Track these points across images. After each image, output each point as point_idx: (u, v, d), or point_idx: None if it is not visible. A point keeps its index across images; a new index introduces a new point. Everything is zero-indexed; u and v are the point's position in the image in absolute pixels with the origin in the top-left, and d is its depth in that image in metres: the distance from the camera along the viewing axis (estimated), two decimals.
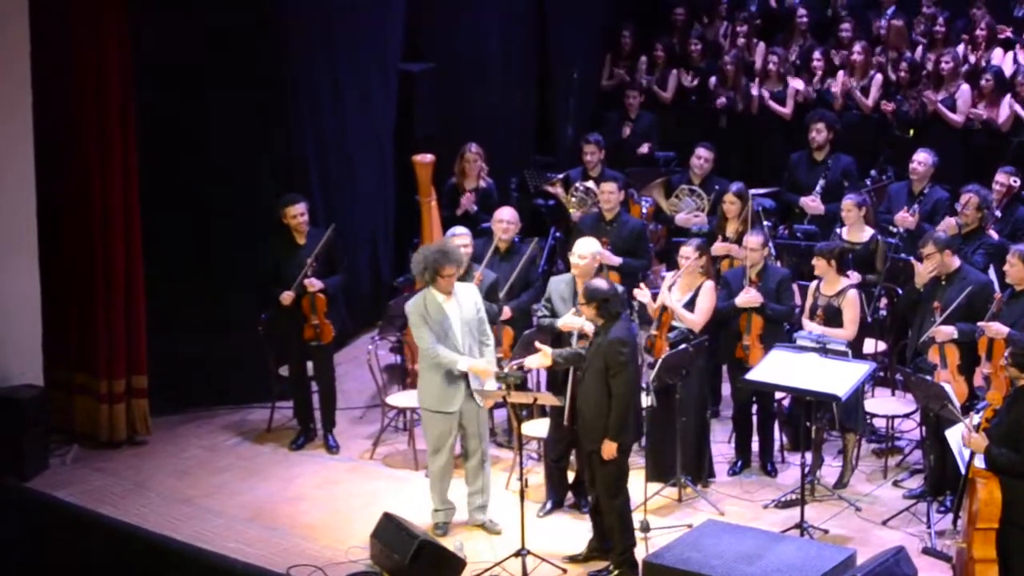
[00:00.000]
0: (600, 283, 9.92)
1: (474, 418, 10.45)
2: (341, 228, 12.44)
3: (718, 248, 12.37)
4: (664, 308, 11.13)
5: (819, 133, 13.90)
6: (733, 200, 12.42)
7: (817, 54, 15.71)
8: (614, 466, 9.80)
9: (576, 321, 10.40)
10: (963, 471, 9.25)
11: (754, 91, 15.76)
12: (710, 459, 11.29)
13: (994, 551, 8.86)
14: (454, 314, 10.32)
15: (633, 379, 9.78)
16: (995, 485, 8.86)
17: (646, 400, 10.65)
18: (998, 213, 12.47)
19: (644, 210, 14.46)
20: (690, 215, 13.80)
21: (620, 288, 10.77)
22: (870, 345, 12.02)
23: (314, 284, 11.75)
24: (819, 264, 11.23)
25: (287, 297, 11.71)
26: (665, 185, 14.28)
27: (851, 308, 11.17)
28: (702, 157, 13.99)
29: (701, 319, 11.15)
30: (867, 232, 12.34)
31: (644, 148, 15.72)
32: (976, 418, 9.30)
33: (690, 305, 11.15)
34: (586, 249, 10.76)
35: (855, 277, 11.60)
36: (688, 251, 11.24)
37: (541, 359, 10.14)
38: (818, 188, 13.53)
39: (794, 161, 14.22)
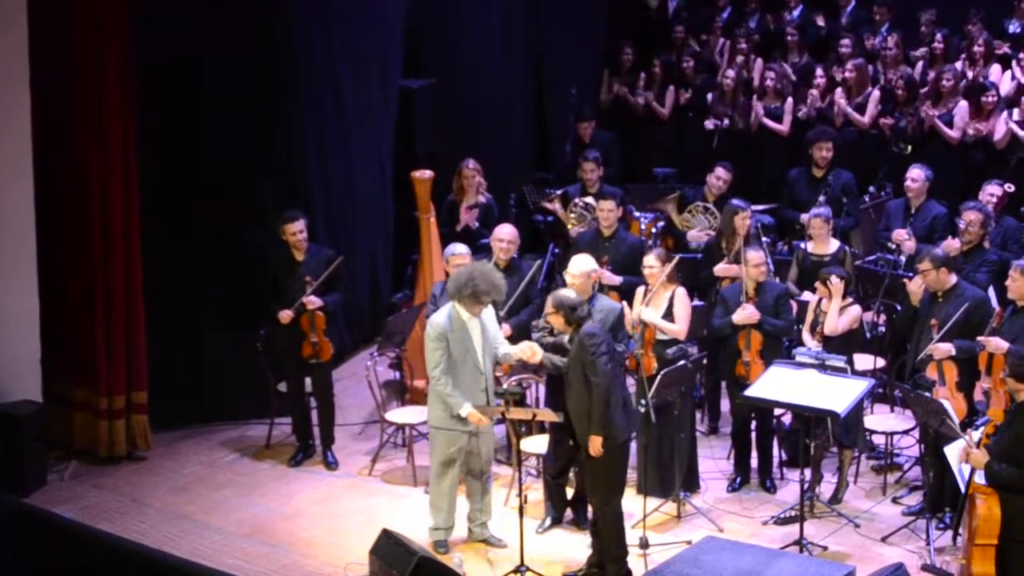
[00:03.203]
0: (566, 292, 10.01)
1: (487, 438, 10.47)
2: (340, 244, 12.44)
3: (721, 270, 12.35)
4: (644, 324, 11.14)
5: (828, 152, 13.89)
6: (747, 216, 12.38)
7: (819, 71, 15.73)
8: (607, 469, 9.83)
9: None
10: (962, 488, 9.26)
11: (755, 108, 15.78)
12: (695, 470, 11.36)
13: (993, 567, 8.87)
14: (476, 333, 10.31)
15: (609, 371, 9.75)
16: (994, 501, 8.87)
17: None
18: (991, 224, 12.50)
19: (643, 226, 14.46)
20: (701, 232, 13.78)
21: (619, 305, 10.83)
22: (867, 361, 12.01)
23: (313, 302, 11.76)
24: (821, 289, 11.27)
25: (285, 316, 11.71)
26: (678, 200, 14.29)
27: (849, 320, 11.24)
28: (721, 178, 13.97)
29: (683, 326, 11.19)
30: (833, 244, 12.40)
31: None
32: (976, 434, 9.31)
33: (668, 316, 11.17)
34: (579, 268, 10.75)
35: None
36: (651, 260, 11.26)
37: (528, 350, 10.13)
38: (819, 202, 13.47)
39: (793, 177, 14.20)
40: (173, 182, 12.29)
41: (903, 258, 12.58)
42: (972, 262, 11.76)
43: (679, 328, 11.16)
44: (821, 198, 13.58)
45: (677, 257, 11.48)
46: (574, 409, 9.86)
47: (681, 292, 11.29)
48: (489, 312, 10.49)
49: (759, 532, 10.68)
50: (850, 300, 11.34)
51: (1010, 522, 8.87)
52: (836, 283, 11.15)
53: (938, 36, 15.55)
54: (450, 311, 10.33)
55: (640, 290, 11.40)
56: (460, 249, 11.87)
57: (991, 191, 12.72)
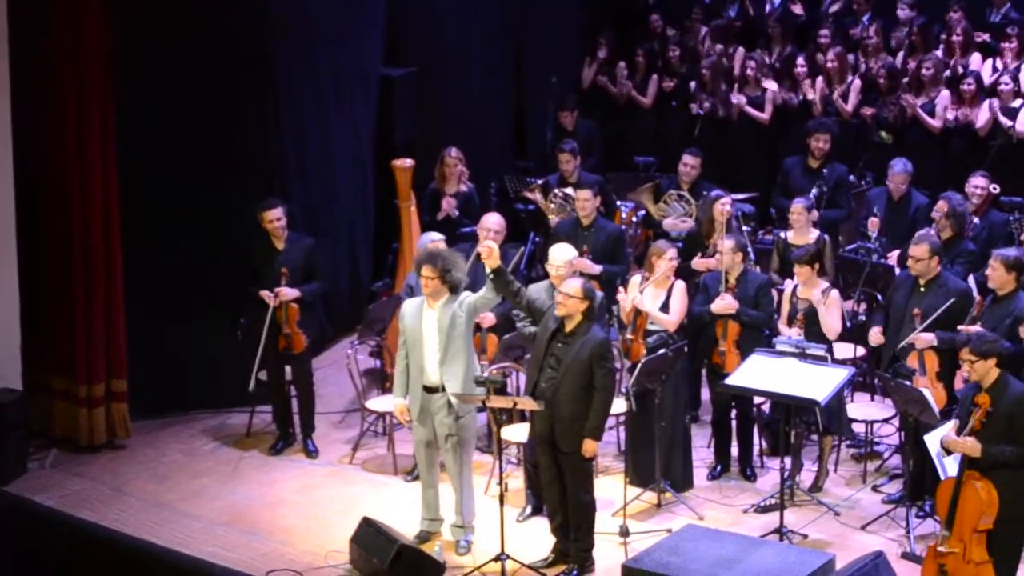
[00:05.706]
0: (590, 284, 9.99)
1: (443, 428, 10.24)
2: (320, 232, 12.40)
3: (698, 264, 12.33)
4: (638, 312, 11.13)
5: (826, 143, 13.88)
6: (726, 204, 12.37)
7: (800, 60, 15.73)
8: (588, 461, 9.85)
9: None
10: (942, 476, 9.25)
11: (733, 97, 15.78)
12: (690, 467, 11.30)
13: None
14: (430, 328, 10.16)
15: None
16: (991, 485, 8.87)
17: (625, 405, 10.67)
18: (976, 220, 12.49)
19: (624, 215, 14.46)
20: (677, 220, 13.79)
21: (601, 294, 10.82)
22: (847, 350, 12.01)
23: (287, 293, 11.71)
24: (801, 271, 11.25)
25: (266, 295, 11.68)
26: (654, 190, 14.30)
27: (835, 306, 11.22)
28: (689, 164, 14.00)
29: (676, 319, 11.17)
30: (813, 234, 12.36)
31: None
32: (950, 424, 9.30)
33: (664, 307, 11.17)
34: (561, 257, 10.78)
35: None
36: (670, 255, 11.22)
37: (486, 249, 9.90)
38: (811, 195, 13.44)
39: (788, 166, 14.16)
40: (152, 170, 12.26)
41: (879, 246, 12.58)
42: (948, 254, 11.74)
43: (672, 319, 11.13)
44: (814, 191, 13.56)
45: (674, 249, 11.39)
46: (562, 406, 9.72)
47: (680, 285, 11.26)
48: (451, 305, 10.23)
49: (739, 520, 10.70)
50: (825, 284, 11.32)
51: (1007, 504, 8.86)
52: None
53: (914, 26, 15.55)
54: (419, 300, 10.31)
55: (636, 278, 11.37)
56: (434, 236, 11.85)
57: (975, 183, 12.72)
